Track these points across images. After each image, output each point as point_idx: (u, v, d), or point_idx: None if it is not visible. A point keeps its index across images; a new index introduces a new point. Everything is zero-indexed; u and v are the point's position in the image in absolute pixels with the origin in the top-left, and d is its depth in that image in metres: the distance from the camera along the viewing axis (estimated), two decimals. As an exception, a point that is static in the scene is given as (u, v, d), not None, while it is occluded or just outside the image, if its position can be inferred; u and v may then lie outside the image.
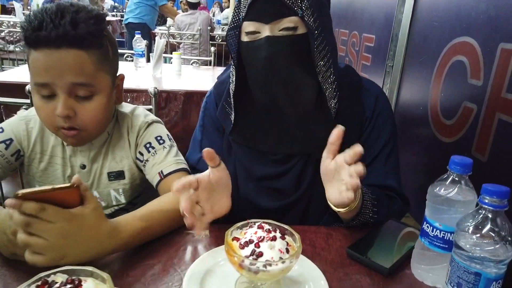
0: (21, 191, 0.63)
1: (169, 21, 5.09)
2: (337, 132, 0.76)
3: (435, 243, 0.73)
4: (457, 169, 0.69)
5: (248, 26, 0.88)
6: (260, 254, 0.63)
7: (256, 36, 0.88)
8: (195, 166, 1.05)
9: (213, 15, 8.38)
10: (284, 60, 0.87)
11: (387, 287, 0.74)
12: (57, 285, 0.52)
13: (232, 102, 0.98)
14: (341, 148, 0.95)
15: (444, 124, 1.13)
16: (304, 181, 1.00)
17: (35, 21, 0.81)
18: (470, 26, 1.03)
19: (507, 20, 0.89)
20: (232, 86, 0.97)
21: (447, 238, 0.71)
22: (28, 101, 1.57)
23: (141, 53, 3.18)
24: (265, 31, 0.86)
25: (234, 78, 0.95)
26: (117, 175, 1.05)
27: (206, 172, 0.76)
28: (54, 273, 0.55)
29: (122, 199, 1.07)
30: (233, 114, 0.98)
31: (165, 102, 2.41)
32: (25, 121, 0.99)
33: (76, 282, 0.52)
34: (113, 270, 0.74)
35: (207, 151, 0.74)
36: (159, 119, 1.09)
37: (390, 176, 0.98)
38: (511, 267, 0.60)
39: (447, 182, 0.70)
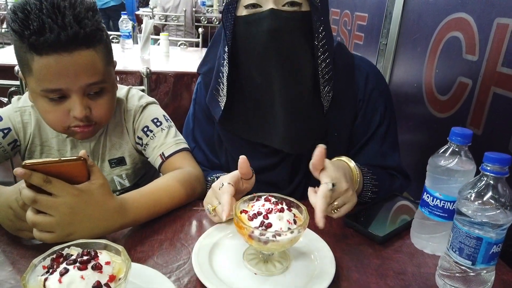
0: (28, 161, 0.63)
1: (152, 2, 4.99)
2: (319, 152, 0.73)
3: (435, 212, 0.75)
4: (457, 140, 0.70)
5: None
6: (269, 225, 0.64)
7: (256, 10, 0.84)
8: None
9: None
10: (287, 36, 0.83)
11: (388, 256, 0.77)
12: (74, 257, 0.52)
13: (226, 84, 0.92)
14: (336, 134, 0.96)
15: (438, 100, 1.15)
16: (298, 172, 0.99)
17: (33, 23, 0.75)
18: (465, 2, 1.04)
19: (502, -6, 0.91)
20: (225, 69, 0.91)
21: (447, 207, 0.74)
22: (17, 82, 1.54)
23: (128, 34, 3.12)
24: (268, 3, 0.82)
25: (227, 59, 0.90)
26: (119, 162, 1.05)
27: (235, 181, 0.76)
28: (68, 247, 0.55)
29: (126, 183, 1.07)
30: (225, 98, 0.93)
31: (155, 84, 2.39)
32: (20, 113, 0.97)
33: (93, 253, 0.52)
34: (121, 245, 0.74)
35: (242, 163, 0.75)
36: (154, 100, 1.08)
37: (388, 155, 0.98)
38: (509, 231, 0.63)
39: (447, 153, 0.72)
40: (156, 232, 0.79)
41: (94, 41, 0.82)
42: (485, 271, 0.64)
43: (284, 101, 0.87)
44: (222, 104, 0.94)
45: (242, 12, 0.86)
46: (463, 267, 0.64)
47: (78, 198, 0.66)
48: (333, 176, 0.74)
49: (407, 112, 1.30)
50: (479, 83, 0.97)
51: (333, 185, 0.72)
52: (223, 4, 0.88)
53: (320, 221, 0.68)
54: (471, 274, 0.64)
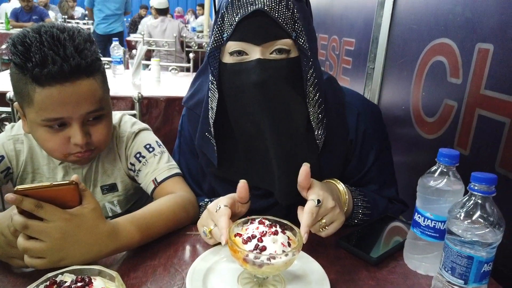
0: (20, 186, 0.63)
1: (140, 28, 5.09)
2: (304, 171, 0.74)
3: (426, 232, 0.76)
4: (445, 160, 0.72)
5: (233, 45, 0.79)
6: (264, 248, 0.65)
7: (243, 58, 0.80)
8: None
9: (188, 23, 8.39)
10: (276, 86, 0.80)
11: (382, 277, 0.77)
12: (68, 283, 0.52)
13: (213, 132, 0.88)
14: (327, 175, 0.91)
15: (426, 121, 1.18)
16: (293, 209, 0.90)
17: (35, 56, 0.77)
18: (448, 28, 1.09)
19: (482, 21, 0.95)
20: (211, 114, 0.87)
21: (438, 227, 0.75)
22: (8, 109, 1.54)
23: (119, 60, 3.15)
24: (255, 53, 0.79)
25: (215, 104, 0.86)
26: (110, 188, 1.05)
27: (231, 204, 0.76)
28: (62, 273, 0.55)
29: (118, 209, 1.07)
30: (215, 143, 0.89)
31: (146, 109, 2.41)
32: (13, 141, 0.98)
33: (87, 280, 0.52)
34: (114, 272, 0.74)
35: (242, 187, 0.75)
36: (146, 126, 1.09)
37: (386, 188, 0.99)
38: (501, 251, 0.64)
39: (436, 174, 0.74)
40: (150, 257, 0.79)
41: (94, 71, 0.85)
42: (477, 290, 0.65)
43: (278, 152, 0.83)
44: (215, 148, 0.90)
45: (228, 59, 0.82)
46: (456, 287, 0.65)
47: (69, 222, 0.66)
48: (319, 193, 0.74)
49: (396, 134, 1.33)
50: (464, 105, 1.00)
51: (319, 201, 0.72)
52: (208, 46, 0.84)
53: (303, 236, 0.68)
54: (464, 293, 0.65)
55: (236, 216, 0.79)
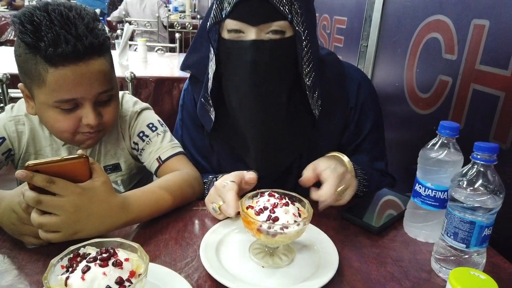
0: (31, 162, 0.63)
1: (121, 8, 4.96)
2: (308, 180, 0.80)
3: (427, 201, 0.80)
4: (446, 132, 0.75)
5: (231, 23, 0.82)
6: (277, 219, 0.67)
7: (239, 36, 0.83)
8: None
9: (170, 2, 8.20)
10: (268, 66, 0.83)
11: (384, 245, 0.81)
12: (93, 254, 0.53)
13: (210, 100, 0.93)
14: (323, 144, 0.98)
15: (420, 97, 1.21)
16: (290, 179, 1.01)
17: (47, 35, 0.75)
18: (443, 5, 1.11)
19: (478, -3, 0.97)
20: (209, 84, 0.92)
21: (438, 197, 0.78)
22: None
23: (104, 40, 3.08)
24: (251, 33, 0.81)
25: (211, 75, 0.90)
26: (114, 168, 1.05)
27: (239, 180, 0.79)
28: (84, 246, 0.56)
29: (121, 189, 1.07)
30: (213, 112, 0.94)
31: (135, 89, 2.37)
32: (14, 122, 0.96)
33: (111, 251, 0.53)
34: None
35: (252, 178, 0.79)
36: (148, 105, 1.09)
37: (377, 160, 1.03)
38: (497, 219, 0.68)
39: (437, 146, 0.77)
40: (160, 232, 0.80)
41: (105, 49, 0.85)
42: (476, 254, 0.69)
43: (258, 125, 0.88)
44: (212, 115, 0.95)
45: (225, 34, 0.85)
46: (458, 251, 0.69)
47: (82, 196, 0.67)
48: (328, 164, 0.79)
49: (389, 111, 1.36)
50: (459, 80, 1.03)
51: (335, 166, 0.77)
52: (208, 21, 0.86)
53: (330, 196, 0.74)
54: (465, 256, 0.69)
55: (242, 192, 0.81)
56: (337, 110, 0.97)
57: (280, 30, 0.82)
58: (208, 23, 0.86)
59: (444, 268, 0.70)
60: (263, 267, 0.70)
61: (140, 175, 1.12)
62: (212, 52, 0.89)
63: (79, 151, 0.70)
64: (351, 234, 0.84)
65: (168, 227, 0.82)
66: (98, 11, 5.14)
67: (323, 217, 0.89)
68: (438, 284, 0.70)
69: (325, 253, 0.73)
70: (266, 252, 0.73)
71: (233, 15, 0.81)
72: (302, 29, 0.82)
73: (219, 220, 0.83)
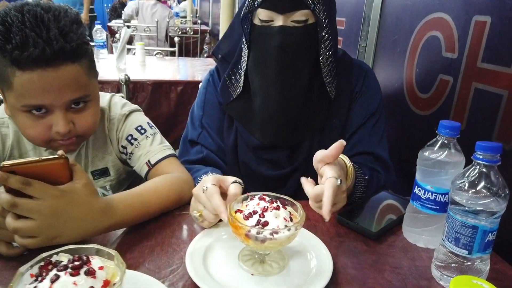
0: (6, 162, 0.59)
1: (125, 13, 4.94)
2: (339, 147, 0.75)
3: (427, 205, 0.76)
4: (446, 132, 0.71)
5: (262, 13, 0.92)
6: (266, 223, 0.63)
7: (269, 24, 0.93)
8: (197, 141, 1.07)
9: (171, 8, 8.21)
10: (292, 49, 0.93)
11: (382, 251, 0.77)
12: (65, 262, 0.49)
13: (243, 78, 1.02)
14: (332, 122, 1.03)
15: (420, 98, 1.17)
16: (298, 155, 1.04)
17: (15, 37, 0.71)
18: (443, 2, 1.07)
19: (479, -7, 0.94)
20: (244, 64, 1.01)
21: (439, 200, 0.74)
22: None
23: (102, 44, 3.06)
24: (279, 20, 0.92)
25: (247, 57, 1.00)
26: (102, 173, 1.01)
27: (218, 182, 0.76)
28: (57, 253, 0.52)
29: (110, 194, 1.03)
30: (240, 88, 1.03)
31: (132, 93, 2.35)
32: None
33: (85, 259, 0.50)
34: (110, 253, 0.71)
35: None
36: (137, 107, 1.06)
37: (376, 145, 1.02)
38: (500, 222, 0.64)
39: (437, 146, 0.73)
40: (146, 237, 0.76)
41: (80, 55, 0.79)
42: (479, 260, 0.65)
43: (289, 103, 0.97)
44: (234, 94, 1.04)
45: (258, 21, 0.95)
46: (459, 257, 0.65)
47: (61, 199, 0.63)
48: (340, 174, 0.76)
49: (389, 112, 1.32)
50: (460, 79, 1.00)
51: (341, 181, 0.74)
52: (242, 10, 0.96)
53: (327, 214, 0.69)
54: (467, 263, 0.65)
55: (224, 194, 0.77)
56: (346, 94, 1.04)
57: (303, 20, 0.92)
58: (242, 12, 0.96)
59: (445, 276, 0.66)
60: (252, 274, 0.66)
61: (130, 180, 1.08)
62: (244, 37, 0.99)
63: (60, 152, 0.66)
64: (347, 240, 0.80)
65: (155, 233, 0.78)
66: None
67: (317, 222, 0.85)
68: (439, 293, 0.66)
69: (318, 260, 0.69)
70: (256, 259, 0.69)
71: (264, 5, 0.91)
72: (323, 18, 0.92)
73: (207, 228, 0.79)
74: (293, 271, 0.67)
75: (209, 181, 0.74)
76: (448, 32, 1.04)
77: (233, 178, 0.77)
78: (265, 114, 0.99)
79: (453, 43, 1.02)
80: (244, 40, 1.00)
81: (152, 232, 0.78)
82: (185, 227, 0.81)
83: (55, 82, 0.76)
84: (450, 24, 1.04)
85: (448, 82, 1.04)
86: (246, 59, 1.01)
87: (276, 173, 1.05)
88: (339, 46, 1.81)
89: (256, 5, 0.93)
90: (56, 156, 0.64)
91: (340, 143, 0.75)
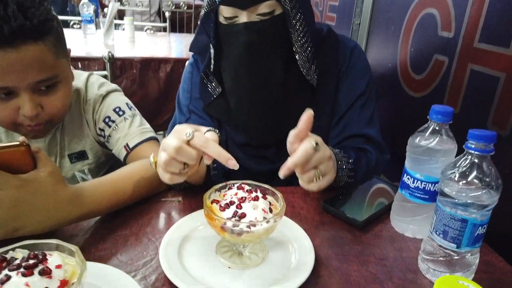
0: None
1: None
2: (307, 118, 0.69)
3: (416, 194, 0.72)
4: (438, 118, 0.67)
5: (225, 10, 0.86)
6: (243, 215, 0.59)
7: (234, 20, 0.87)
8: None
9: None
10: (263, 45, 0.87)
11: (368, 241, 0.74)
12: (18, 261, 0.45)
13: (215, 80, 0.97)
14: (319, 109, 0.95)
15: (414, 79, 1.12)
16: (286, 150, 0.97)
17: None
18: (440, -23, 1.01)
19: (478, -32, 0.87)
20: (211, 66, 0.96)
21: (428, 189, 0.71)
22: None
23: (89, 19, 2.95)
24: (243, 16, 0.85)
25: (213, 57, 0.95)
26: (79, 156, 0.97)
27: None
28: (13, 249, 0.48)
29: (89, 178, 0.99)
30: (218, 89, 0.97)
31: (120, 70, 2.27)
32: None
33: (40, 256, 0.46)
34: (80, 244, 0.67)
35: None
36: (116, 86, 1.00)
37: (367, 125, 0.97)
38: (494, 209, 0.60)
39: (428, 132, 0.69)
40: (120, 227, 0.73)
41: (43, 33, 0.73)
42: (469, 254, 0.62)
43: (253, 97, 0.91)
44: (215, 94, 0.98)
45: (222, 19, 0.88)
46: (448, 251, 0.61)
47: (22, 189, 0.59)
48: (317, 139, 0.71)
49: (381, 93, 1.28)
50: (456, 60, 0.95)
51: (317, 144, 0.69)
52: (202, 9, 0.90)
53: (285, 170, 0.68)
54: (456, 257, 0.61)
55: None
56: (331, 76, 0.97)
57: (268, 12, 0.85)
58: (203, 11, 0.90)
59: (432, 270, 0.63)
60: (229, 267, 0.63)
61: (109, 163, 1.04)
62: (208, 37, 0.93)
63: (21, 138, 0.61)
64: (332, 229, 0.77)
65: (131, 221, 0.74)
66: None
67: (302, 210, 0.82)
68: (425, 286, 0.63)
69: (300, 252, 0.66)
70: (234, 251, 0.65)
71: (225, 1, 0.85)
72: (290, 6, 0.84)
73: (188, 213, 0.75)
74: (273, 264, 0.64)
75: (187, 128, 0.65)
76: (445, 9, 0.98)
77: (207, 128, 0.70)
78: (243, 116, 0.94)
79: (449, 21, 0.97)
80: (208, 38, 0.94)
81: (128, 220, 0.75)
82: (163, 215, 0.78)
83: (16, 62, 0.70)
84: (447, 1, 0.98)
85: (443, 63, 0.99)
86: (213, 60, 0.94)
87: (265, 168, 1.00)
88: (333, 23, 1.75)
89: (217, 2, 0.86)
90: (17, 143, 0.59)
91: (307, 112, 0.69)
